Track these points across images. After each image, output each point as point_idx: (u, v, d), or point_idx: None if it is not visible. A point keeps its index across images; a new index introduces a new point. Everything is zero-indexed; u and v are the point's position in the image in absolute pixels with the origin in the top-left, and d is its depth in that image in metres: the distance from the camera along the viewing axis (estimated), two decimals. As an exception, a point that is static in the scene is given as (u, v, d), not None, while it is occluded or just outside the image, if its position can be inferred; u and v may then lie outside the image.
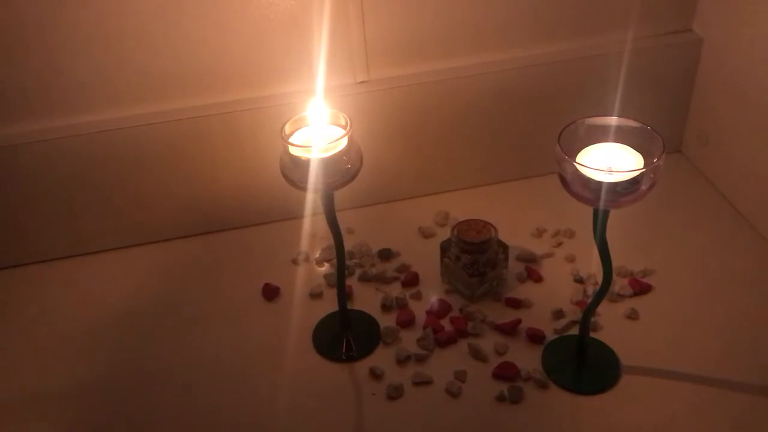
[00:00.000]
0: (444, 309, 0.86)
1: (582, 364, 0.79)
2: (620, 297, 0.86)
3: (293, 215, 0.98)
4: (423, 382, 0.78)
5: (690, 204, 0.98)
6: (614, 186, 0.63)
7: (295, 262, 0.94)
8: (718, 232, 0.93)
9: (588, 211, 0.67)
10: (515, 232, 0.93)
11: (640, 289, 0.86)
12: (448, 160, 1.00)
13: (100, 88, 0.88)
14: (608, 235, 0.68)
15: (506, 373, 0.78)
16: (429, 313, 0.86)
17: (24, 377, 0.82)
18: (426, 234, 0.96)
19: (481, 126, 0.97)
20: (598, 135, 0.66)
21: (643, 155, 0.65)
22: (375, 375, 0.79)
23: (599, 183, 0.63)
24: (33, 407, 0.79)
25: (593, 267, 0.89)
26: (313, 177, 0.69)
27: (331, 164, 0.69)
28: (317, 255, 0.95)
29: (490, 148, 1.00)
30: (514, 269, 0.90)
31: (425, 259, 0.91)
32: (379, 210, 1.01)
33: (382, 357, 0.81)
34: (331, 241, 0.76)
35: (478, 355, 0.80)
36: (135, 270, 0.94)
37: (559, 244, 0.93)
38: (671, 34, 0.98)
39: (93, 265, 0.96)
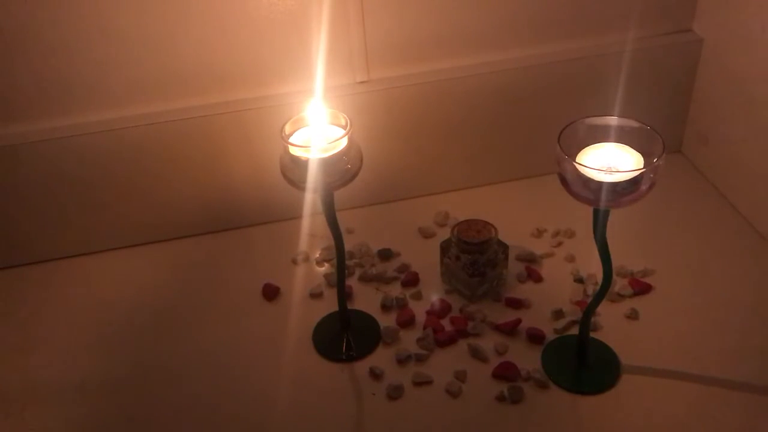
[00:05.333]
0: (444, 309, 0.86)
1: (582, 364, 0.79)
2: (620, 297, 0.86)
3: (293, 215, 0.98)
4: (423, 382, 0.78)
5: (690, 204, 0.98)
6: (614, 186, 0.63)
7: (295, 262, 0.94)
8: (718, 232, 0.93)
9: (588, 211, 0.67)
10: (515, 232, 0.93)
11: (640, 289, 0.86)
12: (448, 160, 1.00)
13: (100, 88, 0.88)
14: (608, 235, 0.68)
15: (506, 373, 0.78)
16: (429, 313, 0.86)
17: (24, 375, 0.82)
18: (426, 234, 0.96)
19: (481, 126, 0.97)
20: (598, 135, 0.66)
21: (643, 155, 0.65)
22: (375, 375, 0.79)
23: (599, 183, 0.63)
24: (33, 404, 0.79)
25: (593, 267, 0.89)
26: (313, 177, 0.69)
27: (331, 164, 0.69)
28: (317, 255, 0.95)
29: (490, 148, 1.00)
30: (514, 269, 0.90)
31: (425, 259, 0.91)
32: (379, 210, 1.01)
33: (382, 357, 0.81)
34: (331, 241, 0.76)
35: (478, 355, 0.80)
36: (135, 270, 0.94)
37: (559, 244, 0.93)
38: (671, 34, 0.98)
39: (94, 265, 0.96)
